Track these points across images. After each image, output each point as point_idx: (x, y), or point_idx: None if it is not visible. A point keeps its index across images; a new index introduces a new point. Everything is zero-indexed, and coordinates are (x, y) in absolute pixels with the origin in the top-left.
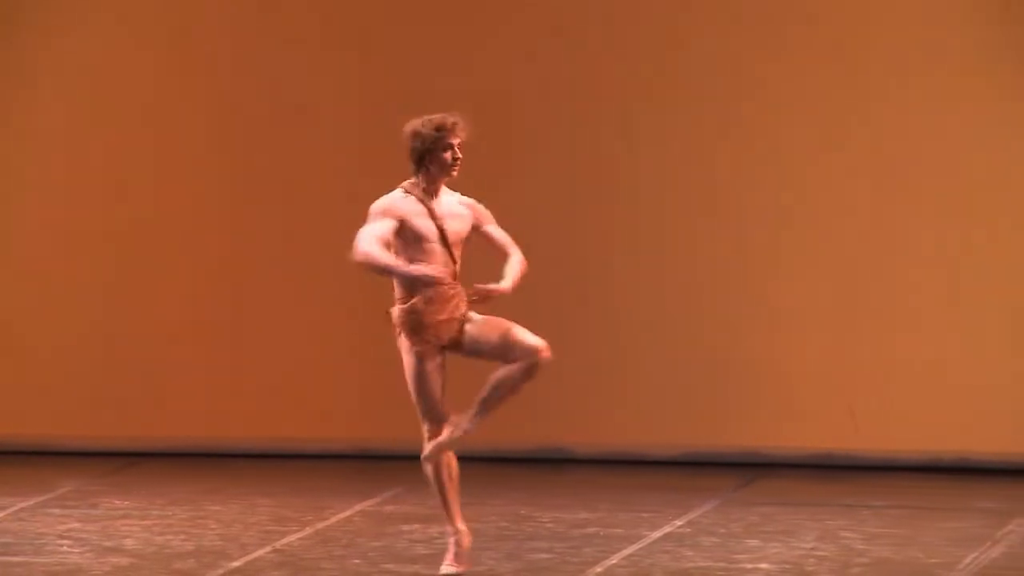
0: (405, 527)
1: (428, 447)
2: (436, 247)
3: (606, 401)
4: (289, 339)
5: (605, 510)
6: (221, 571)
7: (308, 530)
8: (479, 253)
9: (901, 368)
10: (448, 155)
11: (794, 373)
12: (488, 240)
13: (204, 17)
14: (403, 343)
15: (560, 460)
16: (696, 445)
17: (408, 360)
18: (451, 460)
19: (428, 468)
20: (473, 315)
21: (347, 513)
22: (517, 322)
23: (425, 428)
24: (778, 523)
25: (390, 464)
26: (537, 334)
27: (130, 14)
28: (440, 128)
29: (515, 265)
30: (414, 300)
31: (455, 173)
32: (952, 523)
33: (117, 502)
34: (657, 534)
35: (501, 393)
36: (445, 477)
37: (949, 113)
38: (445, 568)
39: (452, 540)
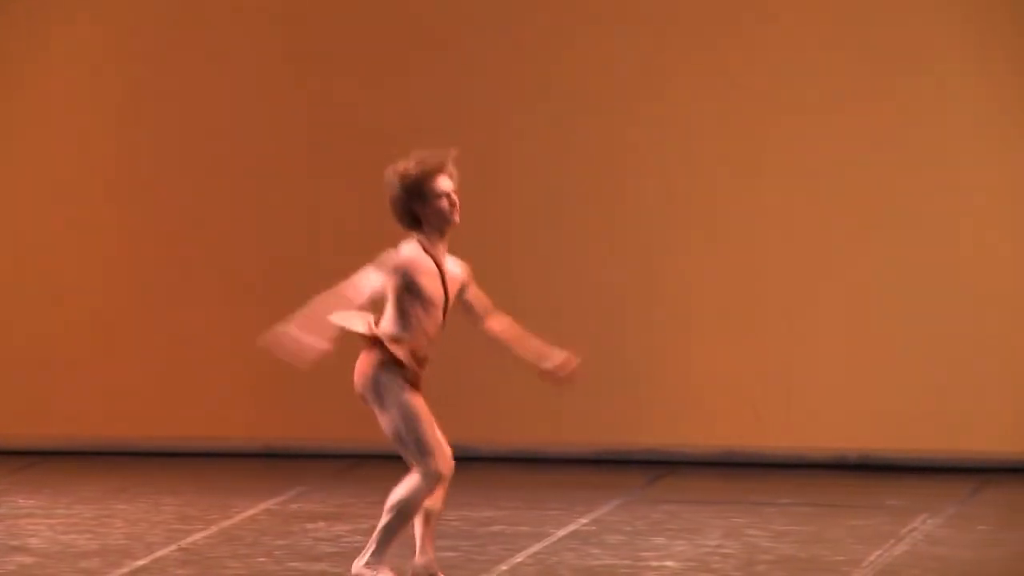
0: (310, 525)
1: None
2: (439, 314)
3: (511, 399)
4: (193, 337)
5: (511, 508)
6: (126, 570)
7: (213, 528)
8: None
9: (806, 366)
10: (444, 202)
11: (699, 371)
12: (466, 306)
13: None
14: (385, 383)
15: (465, 458)
16: (601, 443)
17: (400, 397)
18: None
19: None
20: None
21: (252, 511)
22: None
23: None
24: (683, 521)
25: (295, 463)
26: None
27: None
28: (428, 171)
29: (526, 336)
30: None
31: (457, 219)
32: (857, 520)
33: (21, 501)
34: (563, 532)
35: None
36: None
37: (852, 116)
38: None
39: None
